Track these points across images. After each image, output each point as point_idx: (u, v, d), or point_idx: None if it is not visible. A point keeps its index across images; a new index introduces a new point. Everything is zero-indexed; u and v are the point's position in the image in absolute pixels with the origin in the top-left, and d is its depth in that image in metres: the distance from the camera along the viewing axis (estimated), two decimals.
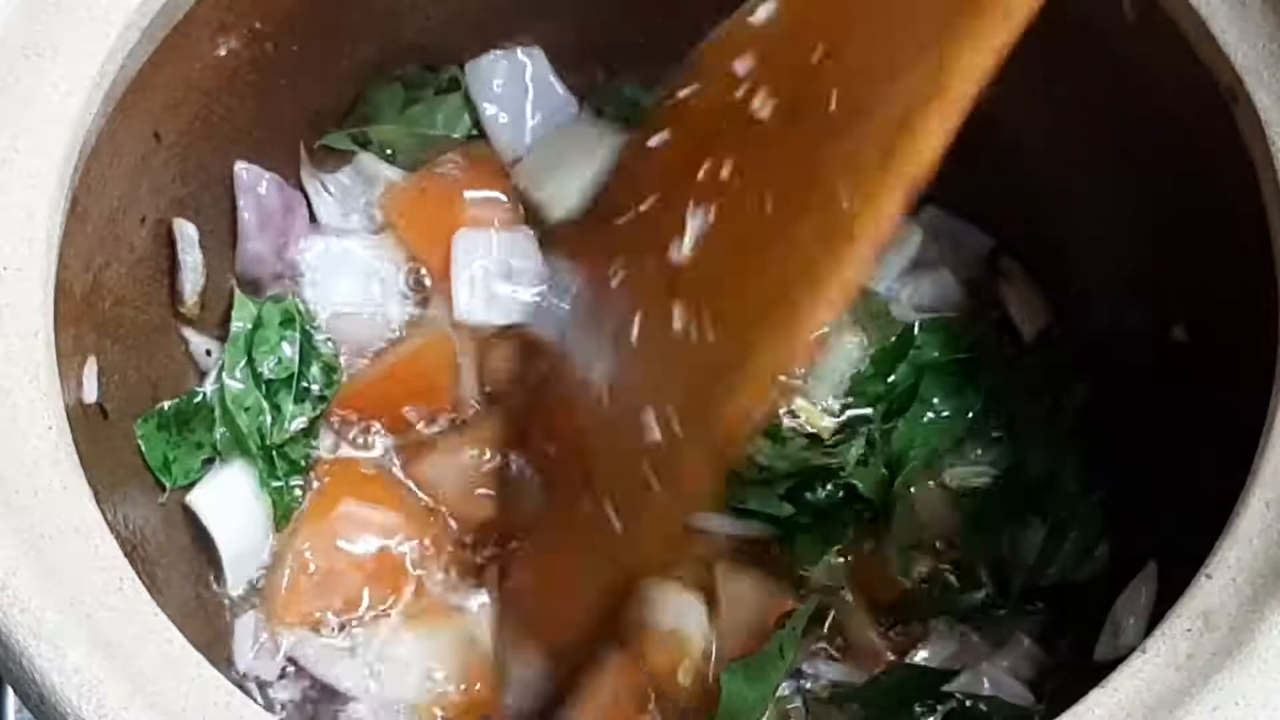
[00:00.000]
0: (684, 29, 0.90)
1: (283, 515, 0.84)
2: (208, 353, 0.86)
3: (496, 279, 0.89)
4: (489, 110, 0.91)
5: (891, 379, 0.88)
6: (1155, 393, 0.82)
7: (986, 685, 0.80)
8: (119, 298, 0.76)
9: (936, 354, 0.88)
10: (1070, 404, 0.89)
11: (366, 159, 0.91)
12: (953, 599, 0.84)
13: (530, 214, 0.91)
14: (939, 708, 0.79)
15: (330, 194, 0.91)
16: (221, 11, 0.75)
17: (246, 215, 0.86)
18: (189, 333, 0.85)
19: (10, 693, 0.84)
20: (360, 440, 0.87)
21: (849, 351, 0.89)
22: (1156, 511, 0.80)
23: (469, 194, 0.91)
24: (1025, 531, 0.84)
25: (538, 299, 0.89)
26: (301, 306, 0.87)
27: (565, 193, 0.90)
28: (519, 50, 0.91)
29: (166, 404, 0.81)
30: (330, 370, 0.87)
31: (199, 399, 0.83)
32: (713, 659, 0.82)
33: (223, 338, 0.87)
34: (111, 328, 0.75)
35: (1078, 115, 0.81)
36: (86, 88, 0.66)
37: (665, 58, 0.92)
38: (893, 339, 0.89)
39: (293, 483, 0.84)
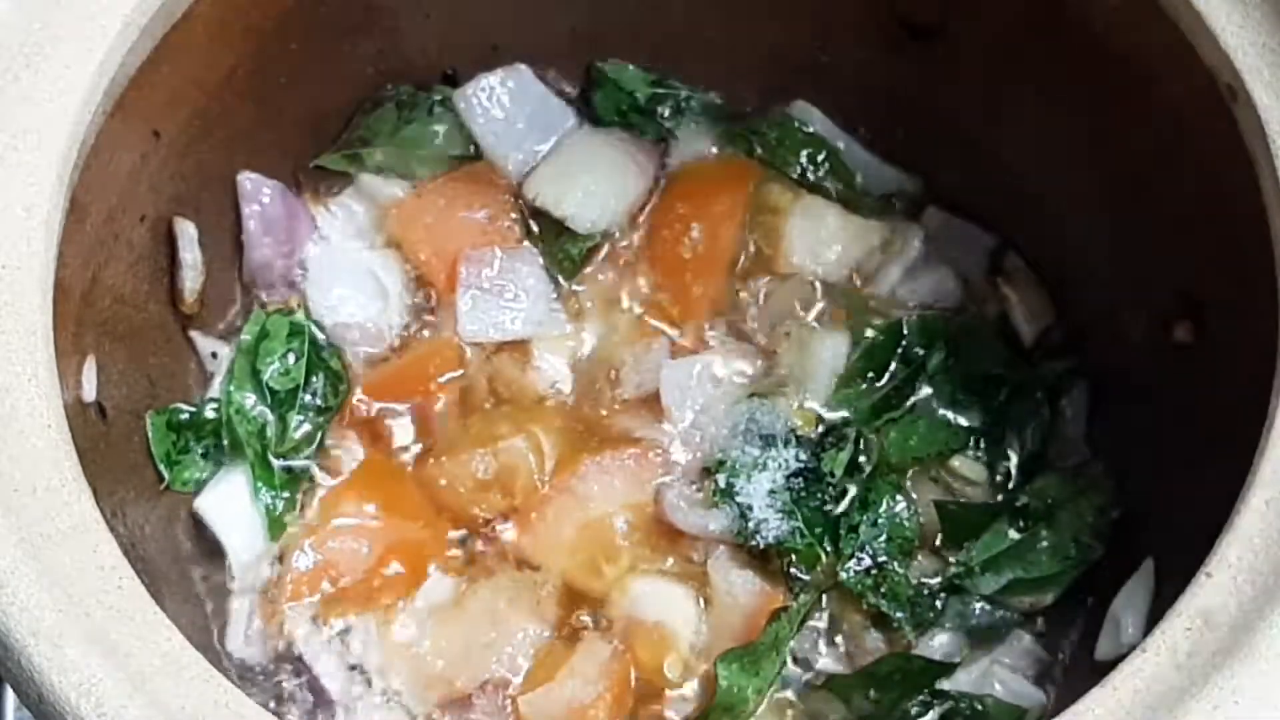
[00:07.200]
0: (673, 14, 0.90)
1: (275, 525, 0.84)
2: (213, 355, 0.86)
3: (500, 299, 0.89)
4: (486, 134, 0.91)
5: (881, 377, 0.88)
6: (1156, 393, 0.82)
7: (998, 687, 0.80)
8: (118, 296, 0.76)
9: (930, 352, 0.88)
10: (1070, 404, 0.88)
11: (367, 179, 0.91)
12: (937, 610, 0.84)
13: (550, 228, 0.91)
14: (936, 704, 0.79)
15: (334, 214, 0.91)
16: (220, 9, 0.75)
17: (251, 224, 0.87)
18: (195, 334, 0.85)
19: (10, 692, 0.84)
20: (367, 441, 0.88)
21: (837, 350, 0.89)
22: (1157, 511, 0.80)
23: (473, 213, 0.91)
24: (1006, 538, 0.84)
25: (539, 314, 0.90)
26: (309, 318, 0.88)
27: (590, 205, 0.90)
28: (501, 72, 0.91)
29: (183, 409, 0.82)
30: (337, 381, 0.87)
31: (210, 411, 0.84)
32: (703, 653, 0.82)
33: (224, 337, 0.87)
34: (111, 326, 0.75)
35: (1078, 115, 0.81)
36: (85, 86, 0.66)
37: (657, 45, 0.92)
38: (880, 336, 0.89)
39: (286, 494, 0.84)
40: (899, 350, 0.89)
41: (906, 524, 0.84)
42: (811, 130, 0.93)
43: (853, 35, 0.88)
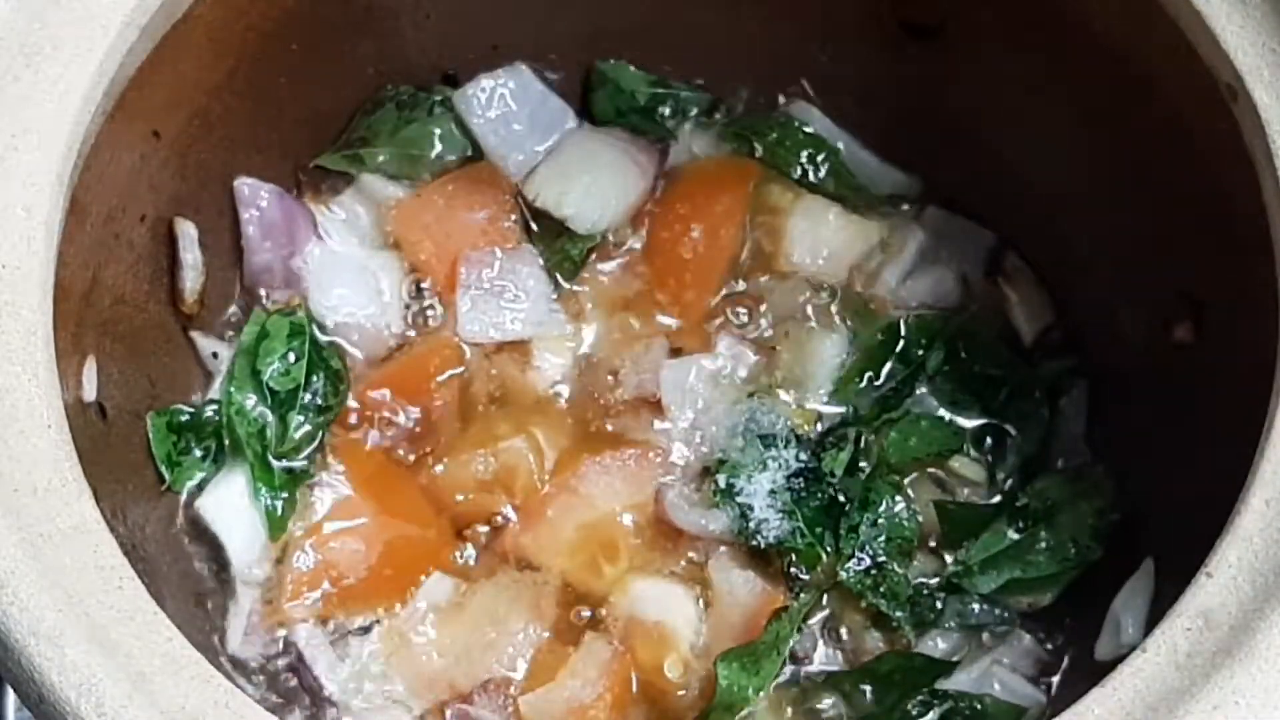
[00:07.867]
0: (673, 14, 0.90)
1: (275, 526, 0.84)
2: (214, 355, 0.86)
3: (499, 299, 0.89)
4: (486, 135, 0.91)
5: (881, 376, 0.88)
6: (1156, 393, 0.82)
7: (997, 686, 0.80)
8: (118, 296, 0.76)
9: (929, 352, 0.88)
10: (1070, 404, 0.88)
11: (367, 179, 0.91)
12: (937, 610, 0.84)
13: (550, 228, 0.91)
14: (936, 703, 0.79)
15: (334, 214, 0.91)
16: (220, 10, 0.75)
17: (250, 229, 0.87)
18: (195, 334, 0.85)
19: (10, 692, 0.84)
20: (367, 441, 0.88)
21: (835, 349, 0.89)
22: (1156, 511, 0.80)
23: (473, 213, 0.91)
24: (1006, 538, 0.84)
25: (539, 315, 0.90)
26: (310, 318, 0.87)
27: (590, 205, 0.90)
28: (501, 72, 0.91)
29: (184, 411, 0.82)
30: (337, 381, 0.87)
31: (211, 412, 0.84)
32: (703, 653, 0.82)
33: (224, 337, 0.87)
34: (111, 326, 0.75)
35: (1078, 115, 0.81)
36: (85, 86, 0.66)
37: (656, 45, 0.92)
38: (879, 335, 0.89)
39: (286, 495, 0.84)
40: (898, 350, 0.89)
41: (906, 524, 0.84)
42: (811, 130, 0.93)
43: (853, 35, 0.88)
